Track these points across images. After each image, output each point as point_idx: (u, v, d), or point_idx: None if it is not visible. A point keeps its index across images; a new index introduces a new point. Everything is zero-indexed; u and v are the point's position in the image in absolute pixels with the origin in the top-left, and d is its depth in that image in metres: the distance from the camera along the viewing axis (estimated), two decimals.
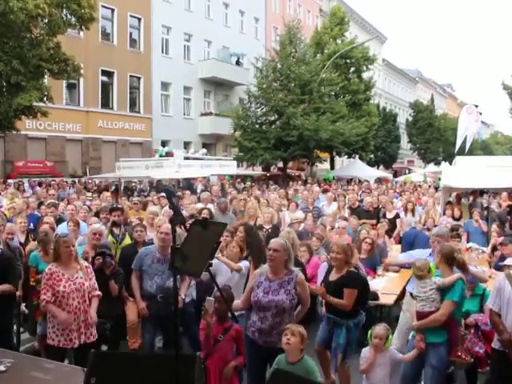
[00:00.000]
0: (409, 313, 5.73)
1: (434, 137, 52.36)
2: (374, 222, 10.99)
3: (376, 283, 7.18)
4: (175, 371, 2.65)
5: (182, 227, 2.47)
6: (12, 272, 5.39)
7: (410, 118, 54.70)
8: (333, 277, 5.28)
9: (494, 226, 9.73)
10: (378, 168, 41.48)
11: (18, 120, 16.30)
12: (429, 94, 65.28)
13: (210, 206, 10.74)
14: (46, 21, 14.70)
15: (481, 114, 74.47)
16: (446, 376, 5.56)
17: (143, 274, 5.68)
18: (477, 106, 66.02)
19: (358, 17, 50.68)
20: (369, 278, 7.33)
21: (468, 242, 9.90)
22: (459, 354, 4.77)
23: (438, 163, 40.09)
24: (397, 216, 11.62)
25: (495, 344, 4.54)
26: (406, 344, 5.54)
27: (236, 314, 5.35)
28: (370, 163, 39.10)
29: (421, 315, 4.67)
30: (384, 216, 11.57)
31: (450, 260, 4.80)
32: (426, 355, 4.64)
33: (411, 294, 5.37)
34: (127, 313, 6.09)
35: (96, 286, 5.08)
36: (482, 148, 72.75)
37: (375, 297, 6.65)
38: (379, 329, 4.65)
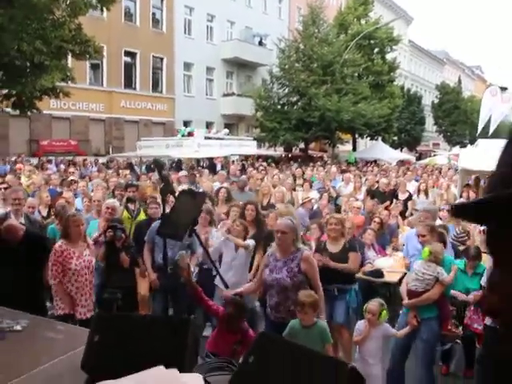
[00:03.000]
0: None
1: (461, 119, 51.52)
2: (388, 203, 11.02)
3: (383, 261, 7.29)
4: (167, 332, 2.83)
5: (171, 196, 2.66)
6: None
7: (436, 100, 53.85)
8: (333, 248, 5.49)
9: None
10: (401, 150, 41.10)
11: (40, 101, 16.68)
12: (456, 75, 64.03)
13: (225, 184, 10.96)
14: (68, 2, 14.96)
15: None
16: (444, 352, 5.70)
17: (155, 247, 5.93)
18: (505, 89, 64.48)
19: None
20: (377, 256, 7.50)
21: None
22: (449, 327, 4.95)
23: (463, 146, 39.51)
24: (409, 197, 11.63)
25: (487, 320, 4.66)
26: None
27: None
28: (394, 145, 38.76)
29: (413, 294, 4.83)
30: (397, 197, 11.60)
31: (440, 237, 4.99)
32: (417, 330, 4.79)
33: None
34: (138, 285, 6.34)
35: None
36: None
37: (380, 274, 6.78)
38: (372, 304, 4.80)
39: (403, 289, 5.07)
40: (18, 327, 3.83)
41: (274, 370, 1.84)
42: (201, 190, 7.05)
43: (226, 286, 3.94)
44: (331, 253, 5.50)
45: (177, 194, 2.73)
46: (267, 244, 5.94)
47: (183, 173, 13.61)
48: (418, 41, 60.81)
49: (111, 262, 5.58)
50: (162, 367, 1.15)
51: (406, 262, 6.33)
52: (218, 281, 5.00)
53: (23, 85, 14.78)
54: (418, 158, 37.36)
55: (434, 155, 41.58)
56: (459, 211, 0.58)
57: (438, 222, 7.96)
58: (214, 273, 5.21)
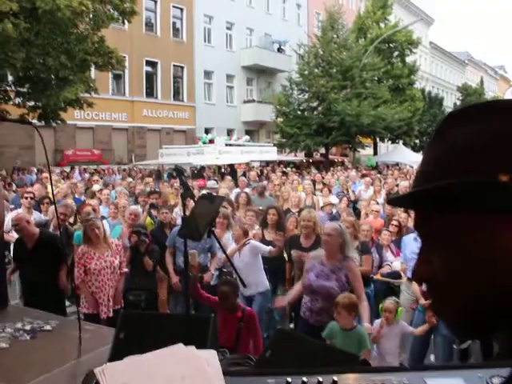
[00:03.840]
0: (407, 293, 5.93)
1: None
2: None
3: (400, 264, 7.36)
4: (188, 330, 3.02)
5: (191, 200, 2.86)
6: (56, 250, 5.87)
7: (458, 102, 53.37)
8: None
9: None
10: (423, 153, 40.81)
11: (64, 112, 17.14)
12: (478, 76, 63.44)
13: (246, 189, 11.13)
14: (91, 16, 15.45)
15: None
16: (462, 351, 5.76)
17: (176, 251, 6.15)
18: None
19: None
20: (395, 258, 7.58)
21: None
22: None
23: None
24: None
25: None
26: (409, 320, 5.75)
27: (255, 292, 5.73)
28: (415, 148, 38.52)
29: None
30: None
31: None
32: (435, 326, 4.88)
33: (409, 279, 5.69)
34: (159, 288, 6.54)
35: (124, 263, 5.55)
36: None
37: (398, 276, 6.86)
38: (389, 302, 4.91)
39: (416, 289, 5.16)
40: (48, 327, 4.06)
41: (290, 363, 1.97)
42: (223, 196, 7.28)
43: (244, 286, 4.11)
44: None
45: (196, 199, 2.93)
46: (293, 247, 6.10)
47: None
48: (439, 42, 60.47)
49: (135, 266, 5.80)
50: (181, 344, 1.31)
51: (404, 266, 6.33)
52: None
53: (48, 97, 15.26)
54: None
55: None
56: (394, 201, 0.74)
57: None
58: (234, 275, 5.37)
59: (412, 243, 6.11)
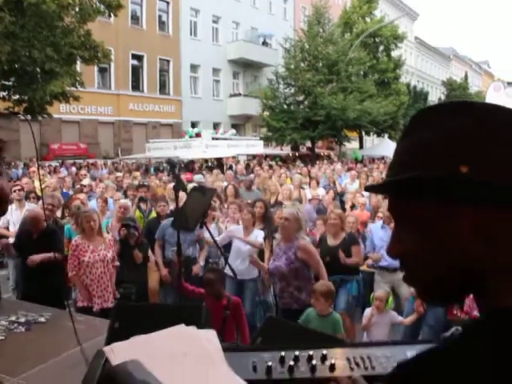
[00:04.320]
0: (385, 285, 6.10)
1: None
2: None
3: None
4: (181, 319, 3.12)
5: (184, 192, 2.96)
6: (58, 242, 5.96)
7: (443, 97, 53.85)
8: (333, 242, 5.78)
9: None
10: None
11: (50, 106, 17.08)
12: (463, 71, 63.99)
13: (233, 183, 11.23)
14: (77, 10, 15.37)
15: None
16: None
17: (165, 244, 6.24)
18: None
19: None
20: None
21: None
22: (455, 312, 5.19)
23: None
24: None
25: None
26: None
27: (247, 278, 5.89)
28: None
29: None
30: None
31: None
32: (423, 316, 5.05)
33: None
34: (149, 279, 6.62)
35: (115, 256, 5.63)
36: None
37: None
38: (380, 292, 5.10)
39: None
40: (42, 319, 4.14)
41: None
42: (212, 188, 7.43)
43: (235, 275, 4.23)
44: (330, 246, 5.79)
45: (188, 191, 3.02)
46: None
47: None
48: (424, 37, 60.88)
49: (125, 259, 5.86)
50: (183, 324, 1.41)
51: (375, 255, 6.43)
52: (227, 270, 5.27)
53: (34, 90, 15.19)
54: None
55: None
56: (371, 189, 0.85)
57: None
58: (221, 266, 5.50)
59: (379, 231, 6.38)
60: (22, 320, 4.34)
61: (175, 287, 5.82)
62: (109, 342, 3.46)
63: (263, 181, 12.33)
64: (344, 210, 9.50)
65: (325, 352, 1.28)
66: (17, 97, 16.23)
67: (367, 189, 0.86)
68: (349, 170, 16.37)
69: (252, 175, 13.91)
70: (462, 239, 0.72)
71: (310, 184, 12.15)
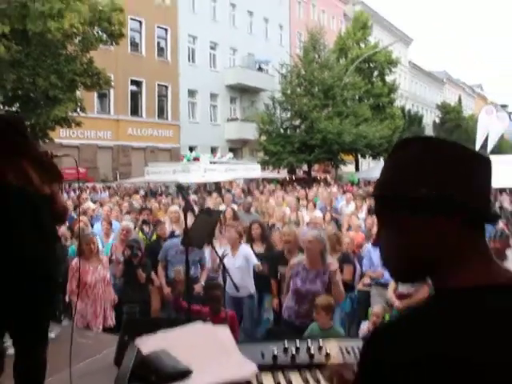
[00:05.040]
0: (378, 296, 6.32)
1: (463, 138, 51.99)
2: None
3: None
4: None
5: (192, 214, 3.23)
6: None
7: (438, 120, 54.53)
8: None
9: (502, 224, 10.15)
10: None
11: (52, 131, 17.40)
12: (456, 95, 64.87)
13: (233, 205, 11.50)
14: (80, 38, 15.81)
15: (511, 113, 73.64)
16: None
17: (168, 264, 6.47)
18: (505, 106, 64.52)
19: (383, 20, 50.86)
20: None
21: None
22: None
23: None
24: None
25: None
26: None
27: (245, 295, 6.10)
28: None
29: (403, 296, 5.36)
30: None
31: None
32: None
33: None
34: (152, 299, 6.83)
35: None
36: None
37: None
38: (377, 308, 5.33)
39: (390, 294, 5.59)
40: (52, 335, 4.36)
41: None
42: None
43: (237, 289, 4.45)
44: None
45: (196, 213, 3.28)
46: (279, 263, 6.46)
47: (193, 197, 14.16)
48: (417, 61, 61.85)
49: (129, 279, 6.09)
50: (200, 321, 1.65)
51: (377, 273, 6.62)
52: (228, 287, 5.49)
53: (38, 116, 15.52)
54: None
55: None
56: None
57: None
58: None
59: (377, 250, 6.57)
60: (9, 343, 4.53)
61: (174, 307, 6.05)
62: (118, 352, 3.71)
63: (261, 203, 12.61)
64: (340, 231, 9.72)
65: (321, 343, 1.53)
66: None
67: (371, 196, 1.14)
68: (344, 192, 16.65)
69: (250, 198, 14.16)
70: (423, 239, 0.99)
71: (307, 206, 12.41)
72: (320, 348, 1.53)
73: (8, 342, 4.53)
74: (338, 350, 1.55)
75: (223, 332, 1.61)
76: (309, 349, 1.53)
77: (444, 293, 0.97)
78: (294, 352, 1.51)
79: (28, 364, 2.98)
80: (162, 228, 7.51)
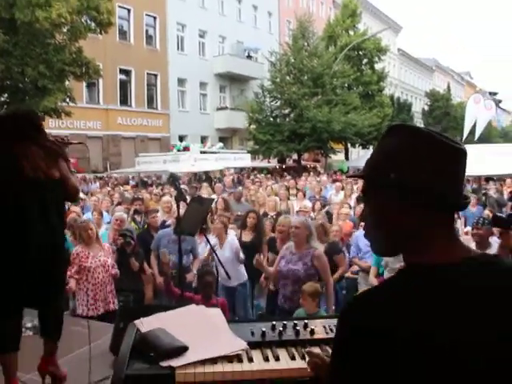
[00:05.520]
0: (364, 284, 6.51)
1: (451, 125, 52.26)
2: None
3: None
4: None
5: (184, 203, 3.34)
6: None
7: (427, 107, 54.75)
8: None
9: (487, 211, 10.34)
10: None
11: (42, 121, 17.35)
12: (445, 82, 65.06)
13: (224, 195, 11.61)
14: (69, 27, 15.75)
15: (500, 101, 74.01)
16: None
17: (160, 254, 6.56)
18: (495, 94, 64.88)
19: (372, 7, 50.84)
20: None
21: (466, 227, 10.54)
22: None
23: None
24: None
25: None
26: None
27: (236, 283, 6.24)
28: None
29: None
30: None
31: None
32: None
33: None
34: (145, 288, 6.94)
35: (114, 263, 5.96)
36: (502, 135, 72.10)
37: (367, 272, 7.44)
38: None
39: (372, 279, 5.75)
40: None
41: None
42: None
43: (229, 277, 4.58)
44: None
45: (188, 201, 3.37)
46: (270, 251, 6.62)
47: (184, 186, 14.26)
48: (407, 49, 61.96)
49: (123, 267, 6.18)
50: (193, 304, 1.77)
51: (365, 264, 6.68)
52: (221, 277, 5.62)
53: (27, 106, 15.49)
54: None
55: None
56: (350, 177, 1.26)
57: None
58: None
59: (363, 238, 6.76)
60: (29, 325, 4.68)
61: (166, 294, 6.17)
62: (114, 339, 3.84)
63: (252, 193, 12.72)
64: (331, 220, 9.87)
65: (306, 321, 1.65)
66: None
67: (348, 176, 1.27)
68: (334, 181, 16.80)
69: (241, 188, 14.27)
70: (393, 218, 1.12)
71: (296, 195, 12.54)
72: (306, 325, 1.66)
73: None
74: (322, 328, 1.68)
75: (215, 313, 1.74)
76: (295, 325, 1.66)
77: (409, 268, 1.12)
78: (281, 329, 1.65)
79: (50, 315, 3.51)
80: (153, 217, 7.60)
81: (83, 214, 9.28)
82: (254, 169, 26.35)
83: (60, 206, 3.39)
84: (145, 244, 6.94)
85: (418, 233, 1.10)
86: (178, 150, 24.64)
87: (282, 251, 5.38)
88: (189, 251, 6.65)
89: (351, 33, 35.18)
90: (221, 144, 29.58)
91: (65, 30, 15.97)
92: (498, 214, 5.22)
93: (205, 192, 12.61)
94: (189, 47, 32.33)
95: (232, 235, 6.77)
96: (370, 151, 34.99)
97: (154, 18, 30.30)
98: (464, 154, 1.14)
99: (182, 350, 1.54)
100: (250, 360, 1.59)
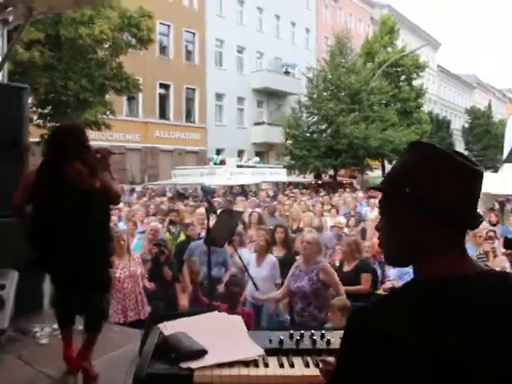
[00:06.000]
0: None
1: (492, 143, 51.25)
2: None
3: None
4: None
5: (214, 215, 3.45)
6: None
7: (467, 125, 53.85)
8: (346, 268, 6.17)
9: None
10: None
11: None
12: (486, 99, 63.93)
13: (257, 209, 11.68)
14: (110, 43, 16.30)
15: None
16: None
17: (191, 263, 6.68)
18: None
19: (410, 24, 50.56)
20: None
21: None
22: None
23: (496, 170, 39.45)
24: None
25: None
26: None
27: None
28: None
29: None
30: None
31: None
32: None
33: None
34: (179, 297, 7.05)
35: (145, 274, 6.15)
36: None
37: None
38: None
39: None
40: (80, 327, 4.61)
41: None
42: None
43: (257, 288, 4.65)
44: (343, 272, 6.15)
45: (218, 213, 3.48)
46: None
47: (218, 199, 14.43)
48: (446, 65, 61.29)
49: (156, 276, 6.32)
50: (216, 311, 1.85)
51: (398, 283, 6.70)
52: (249, 293, 5.68)
53: (69, 119, 16.03)
54: None
55: None
56: (372, 189, 1.31)
57: None
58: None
59: None
60: (56, 327, 4.84)
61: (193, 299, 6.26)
62: (143, 344, 3.92)
63: (286, 208, 12.76)
64: (365, 237, 9.81)
65: (323, 332, 1.70)
66: (52, 124, 17.09)
67: (370, 188, 1.32)
68: (369, 198, 16.69)
69: (275, 202, 14.33)
70: (405, 232, 1.16)
71: (330, 211, 12.52)
72: (322, 336, 1.71)
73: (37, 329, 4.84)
74: (339, 338, 1.72)
75: (236, 320, 1.81)
76: (312, 335, 1.71)
77: (422, 280, 1.15)
78: (298, 338, 1.71)
79: (93, 311, 3.91)
80: (192, 229, 7.75)
81: (119, 222, 9.52)
82: (289, 184, 26.39)
83: (103, 208, 3.83)
84: (181, 255, 7.06)
85: (436, 248, 1.14)
86: (215, 164, 24.90)
87: (292, 269, 5.42)
88: (221, 263, 6.73)
89: (389, 49, 35.01)
90: (257, 158, 29.76)
91: (106, 46, 16.53)
92: (509, 237, 5.13)
93: (240, 206, 12.72)
94: (227, 63, 32.77)
95: (273, 256, 6.69)
96: None
97: (194, 33, 30.87)
98: (481, 175, 1.18)
99: (201, 352, 1.63)
100: (266, 365, 1.67)
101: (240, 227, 7.93)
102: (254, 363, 1.67)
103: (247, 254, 7.06)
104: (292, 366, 1.69)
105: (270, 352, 1.73)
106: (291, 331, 1.75)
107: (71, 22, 14.91)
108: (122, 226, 9.13)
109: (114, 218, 9.28)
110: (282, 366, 1.69)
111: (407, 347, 1.03)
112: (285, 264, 6.75)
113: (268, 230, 8.05)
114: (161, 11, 25.56)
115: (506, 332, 1.05)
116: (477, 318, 1.05)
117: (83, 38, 14.70)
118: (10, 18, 6.15)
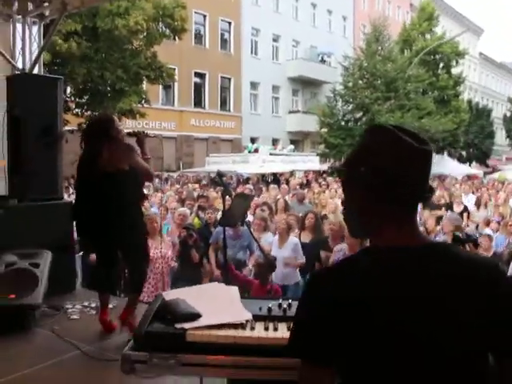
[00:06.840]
0: None
1: None
2: (438, 213, 11.40)
3: None
4: None
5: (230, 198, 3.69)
6: None
7: (509, 113, 52.42)
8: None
9: None
10: (470, 165, 40.33)
11: (119, 121, 18.40)
12: None
13: (286, 197, 11.86)
14: (145, 34, 16.68)
15: None
16: None
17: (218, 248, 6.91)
18: None
19: (451, 10, 49.37)
20: None
21: None
22: None
23: None
24: (465, 210, 11.93)
25: None
26: None
27: (289, 283, 6.45)
28: (462, 160, 38.15)
29: None
30: (451, 209, 11.89)
31: None
32: None
33: None
34: (203, 281, 7.30)
35: (174, 257, 6.50)
36: None
37: None
38: None
39: None
40: (110, 305, 4.91)
41: None
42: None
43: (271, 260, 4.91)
44: None
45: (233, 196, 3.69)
46: (322, 248, 6.77)
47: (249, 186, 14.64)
48: (489, 53, 59.68)
49: (183, 259, 6.58)
50: (216, 283, 2.04)
51: None
52: (275, 276, 5.91)
53: (105, 108, 16.51)
54: (491, 173, 36.43)
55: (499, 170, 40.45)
56: (334, 169, 1.48)
57: (486, 232, 8.54)
58: None
59: None
60: (93, 305, 5.19)
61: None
62: None
63: (315, 195, 12.87)
64: None
65: None
66: (89, 113, 17.62)
67: (333, 169, 1.50)
68: None
69: (306, 190, 14.44)
70: (359, 206, 1.31)
71: None
72: None
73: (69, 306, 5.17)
74: None
75: (232, 290, 2.00)
76: None
77: (368, 249, 1.32)
78: (285, 306, 1.89)
79: (134, 275, 4.62)
80: (209, 213, 8.01)
81: (151, 208, 9.83)
82: (324, 172, 26.39)
83: (135, 187, 4.37)
84: (205, 239, 7.29)
85: (382, 222, 1.27)
86: (250, 152, 25.08)
87: (336, 254, 5.52)
88: (245, 247, 6.93)
89: (428, 36, 34.36)
90: (291, 146, 29.80)
91: (141, 37, 16.90)
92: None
93: (272, 193, 12.88)
94: (262, 51, 32.84)
95: (295, 238, 6.92)
96: (444, 157, 34.03)
97: (229, 23, 31.03)
98: (430, 153, 1.28)
99: (195, 316, 1.86)
100: (252, 329, 1.86)
101: (266, 213, 8.13)
102: (242, 326, 1.88)
103: (271, 238, 7.30)
104: (275, 329, 1.88)
105: (258, 318, 1.93)
106: (280, 301, 1.94)
107: (108, 14, 15.39)
108: (154, 210, 9.42)
109: (146, 205, 9.61)
110: (266, 329, 1.89)
111: (345, 309, 1.18)
112: (310, 248, 6.96)
113: (297, 216, 8.23)
114: (197, 1, 25.81)
115: (432, 299, 1.16)
116: (406, 285, 1.17)
117: (119, 29, 15.14)
118: (47, 13, 6.46)
